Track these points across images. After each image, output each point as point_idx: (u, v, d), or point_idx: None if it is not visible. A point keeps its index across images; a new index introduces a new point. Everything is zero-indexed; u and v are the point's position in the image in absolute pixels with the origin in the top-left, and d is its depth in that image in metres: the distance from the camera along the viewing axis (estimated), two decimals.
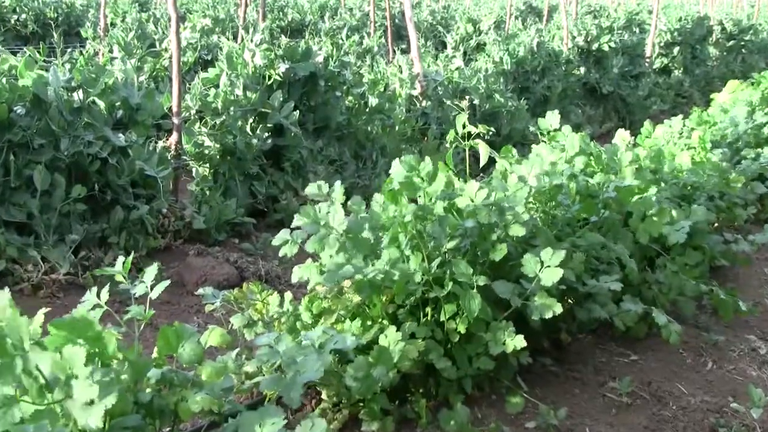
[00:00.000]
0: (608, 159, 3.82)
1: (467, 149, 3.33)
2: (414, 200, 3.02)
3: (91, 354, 1.86)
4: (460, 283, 2.74)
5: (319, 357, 2.17)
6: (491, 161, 3.53)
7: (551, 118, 4.20)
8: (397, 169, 2.92)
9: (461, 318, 2.75)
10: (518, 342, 2.72)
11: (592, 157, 3.83)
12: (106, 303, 2.23)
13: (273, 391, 2.19)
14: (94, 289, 2.28)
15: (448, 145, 3.28)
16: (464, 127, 3.28)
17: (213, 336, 2.55)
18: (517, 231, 2.85)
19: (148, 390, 2.04)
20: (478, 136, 3.30)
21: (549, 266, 2.75)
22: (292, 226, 2.84)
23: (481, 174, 5.68)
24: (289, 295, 2.96)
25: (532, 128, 7.25)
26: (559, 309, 2.75)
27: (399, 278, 2.72)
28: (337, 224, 2.78)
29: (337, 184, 2.87)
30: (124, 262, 2.37)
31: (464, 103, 3.17)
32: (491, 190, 2.92)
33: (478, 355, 2.83)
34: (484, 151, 3.26)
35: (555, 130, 4.12)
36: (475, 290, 2.72)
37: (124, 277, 2.34)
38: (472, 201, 2.89)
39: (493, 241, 2.87)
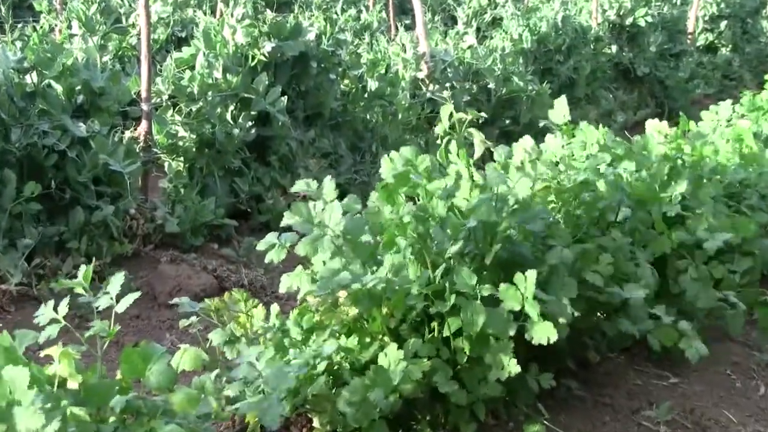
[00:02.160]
0: (638, 154, 3.81)
1: (462, 140, 3.30)
2: (412, 198, 3.01)
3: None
4: (464, 294, 2.72)
5: (297, 368, 2.15)
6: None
7: (560, 107, 4.00)
8: (388, 165, 2.92)
9: (467, 334, 2.75)
10: (512, 367, 2.67)
11: (619, 152, 3.81)
12: (64, 317, 2.23)
13: (253, 415, 2.19)
14: (51, 302, 2.27)
15: (438, 141, 3.25)
16: (451, 117, 3.24)
17: (185, 359, 2.52)
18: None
19: (112, 419, 2.04)
20: (470, 123, 3.28)
21: (528, 297, 2.62)
22: (281, 226, 2.84)
23: None
24: (276, 307, 2.96)
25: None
26: (554, 336, 2.64)
27: (399, 289, 2.72)
28: (334, 224, 2.77)
29: (327, 179, 2.85)
30: (85, 271, 2.36)
31: (446, 93, 3.16)
32: (489, 183, 2.90)
33: (486, 378, 2.79)
34: (478, 141, 3.25)
35: (565, 124, 4.04)
36: (479, 301, 2.69)
37: (86, 290, 2.32)
38: (467, 200, 2.88)
39: (489, 244, 2.84)
